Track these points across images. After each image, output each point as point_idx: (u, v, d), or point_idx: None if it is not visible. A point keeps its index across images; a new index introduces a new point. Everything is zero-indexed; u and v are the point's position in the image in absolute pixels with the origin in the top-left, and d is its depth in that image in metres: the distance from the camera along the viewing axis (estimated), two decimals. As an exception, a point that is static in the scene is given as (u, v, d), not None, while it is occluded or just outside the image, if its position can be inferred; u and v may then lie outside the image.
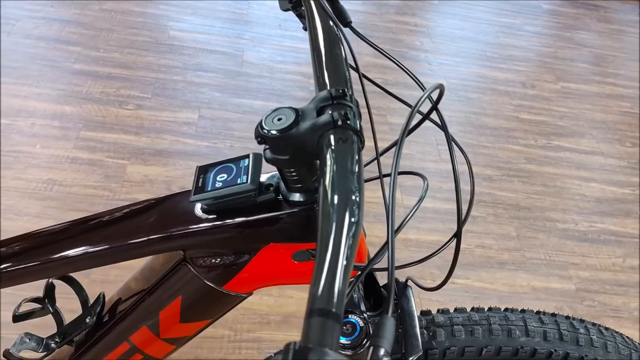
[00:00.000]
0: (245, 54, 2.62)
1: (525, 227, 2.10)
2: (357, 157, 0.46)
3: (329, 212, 0.41)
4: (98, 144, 1.99)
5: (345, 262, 0.38)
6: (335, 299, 0.35)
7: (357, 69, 0.64)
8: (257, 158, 0.56)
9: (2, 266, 0.62)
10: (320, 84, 0.54)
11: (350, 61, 0.62)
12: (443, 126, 0.63)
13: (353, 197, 0.42)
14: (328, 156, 0.46)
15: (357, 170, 0.45)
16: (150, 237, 0.58)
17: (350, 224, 0.40)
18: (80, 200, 1.78)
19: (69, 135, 2.01)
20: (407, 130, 0.55)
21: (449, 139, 0.62)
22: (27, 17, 2.52)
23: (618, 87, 3.04)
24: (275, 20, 2.91)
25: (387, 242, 0.45)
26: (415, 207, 0.59)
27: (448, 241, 0.63)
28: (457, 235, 0.61)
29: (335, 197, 0.42)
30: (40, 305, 0.72)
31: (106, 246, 0.60)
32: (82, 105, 2.15)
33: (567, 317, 0.80)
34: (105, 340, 0.71)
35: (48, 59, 2.32)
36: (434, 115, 0.63)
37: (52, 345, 0.75)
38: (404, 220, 0.57)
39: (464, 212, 0.62)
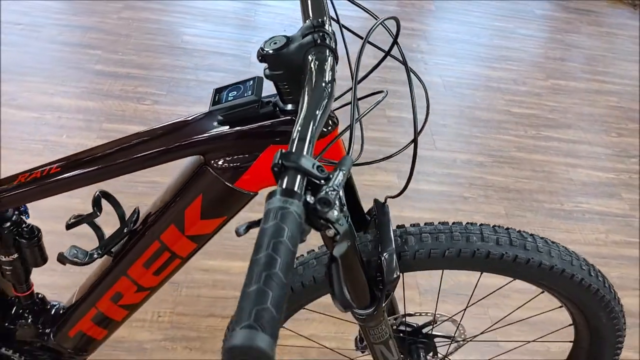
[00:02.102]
0: (253, 56, 2.81)
1: (514, 207, 2.25)
2: (331, 64, 0.64)
3: (309, 88, 0.59)
4: (119, 134, 2.16)
5: (319, 117, 0.56)
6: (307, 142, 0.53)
7: (337, 20, 0.81)
8: (260, 79, 0.74)
9: (66, 174, 0.81)
10: (305, 17, 0.72)
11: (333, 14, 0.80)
12: (402, 58, 0.80)
13: (326, 81, 0.60)
14: (311, 64, 0.64)
15: (330, 71, 0.63)
16: (180, 143, 0.76)
17: (324, 95, 0.58)
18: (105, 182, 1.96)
19: (93, 127, 2.20)
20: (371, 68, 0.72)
21: (408, 69, 0.79)
22: (52, 24, 2.74)
23: (606, 84, 3.21)
24: (280, 26, 3.11)
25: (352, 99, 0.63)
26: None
27: (406, 146, 0.80)
28: (414, 142, 0.78)
29: (314, 82, 0.60)
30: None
31: (144, 153, 0.78)
32: (104, 101, 2.35)
33: (519, 231, 0.96)
34: (140, 243, 0.88)
35: (72, 61, 2.53)
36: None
37: (95, 255, 0.92)
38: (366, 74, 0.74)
39: (419, 125, 0.78)
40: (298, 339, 1.50)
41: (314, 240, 0.81)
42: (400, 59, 0.81)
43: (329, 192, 0.51)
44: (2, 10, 2.74)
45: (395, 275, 0.86)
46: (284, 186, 0.49)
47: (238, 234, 0.54)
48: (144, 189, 1.95)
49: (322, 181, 0.52)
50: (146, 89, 2.46)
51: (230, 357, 0.39)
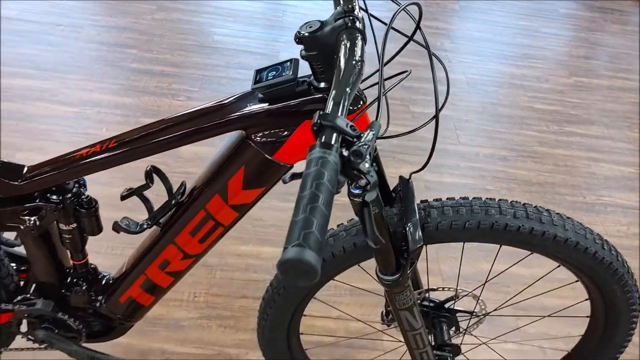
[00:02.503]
0: (281, 55, 2.91)
1: (536, 199, 2.30)
2: (360, 44, 0.72)
3: (342, 64, 0.67)
4: (155, 128, 2.29)
5: (351, 86, 0.64)
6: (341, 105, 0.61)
7: (365, 9, 0.89)
8: (296, 61, 0.83)
9: (123, 149, 0.90)
10: (337, 4, 0.81)
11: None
12: (424, 41, 0.87)
13: (357, 59, 0.68)
14: (343, 44, 0.72)
15: (360, 50, 0.71)
16: (225, 119, 0.85)
17: (355, 68, 0.66)
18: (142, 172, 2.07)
19: (130, 121, 2.32)
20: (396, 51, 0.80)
21: (430, 52, 0.86)
22: (90, 25, 2.87)
23: (630, 81, 3.23)
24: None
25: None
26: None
27: (428, 121, 0.87)
28: (435, 118, 0.85)
29: (346, 58, 0.68)
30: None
31: (193, 128, 0.87)
32: (140, 97, 2.46)
33: (535, 206, 1.02)
34: (186, 213, 0.97)
35: (109, 59, 2.66)
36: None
37: (144, 226, 1.01)
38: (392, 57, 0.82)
39: (441, 102, 0.85)
40: (328, 317, 1.58)
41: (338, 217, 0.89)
42: (423, 43, 0.89)
43: (361, 146, 0.59)
44: (43, 13, 2.88)
45: (418, 244, 0.93)
46: (322, 140, 0.58)
47: (284, 181, 0.63)
48: (178, 179, 2.05)
49: (355, 139, 0.61)
50: (180, 85, 2.57)
51: (284, 270, 0.47)
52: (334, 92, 0.64)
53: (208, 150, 2.16)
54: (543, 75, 3.15)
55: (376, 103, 0.72)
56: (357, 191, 0.85)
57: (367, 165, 0.61)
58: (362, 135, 0.61)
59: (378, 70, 0.83)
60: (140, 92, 2.50)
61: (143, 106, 2.42)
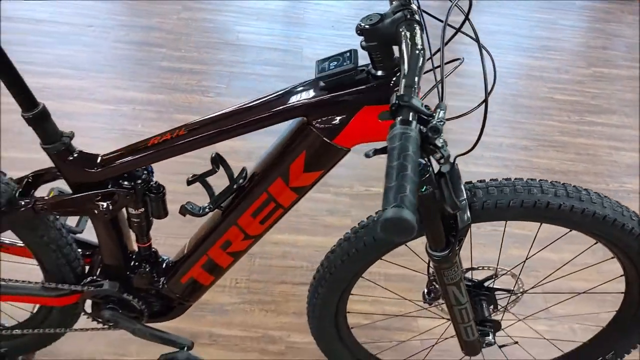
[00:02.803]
0: (305, 51, 2.98)
1: (559, 187, 2.35)
2: (419, 34, 0.79)
3: (407, 52, 0.74)
4: (188, 123, 2.37)
5: (418, 71, 0.71)
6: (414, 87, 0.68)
7: (418, 6, 0.96)
8: (354, 51, 0.90)
9: (192, 137, 0.98)
10: None
11: None
12: (474, 33, 0.94)
13: (419, 48, 0.75)
14: (404, 34, 0.79)
15: (420, 39, 0.78)
16: (289, 106, 0.92)
17: (419, 55, 0.73)
18: (180, 166, 2.14)
19: (164, 117, 2.40)
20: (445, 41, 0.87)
21: (479, 44, 0.93)
22: (118, 26, 2.96)
23: (648, 71, 3.27)
24: (328, 22, 3.27)
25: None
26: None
27: (478, 105, 0.94)
28: (485, 102, 0.91)
29: (410, 47, 0.75)
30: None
31: (260, 115, 0.94)
32: (172, 94, 2.55)
33: (574, 185, 1.09)
34: (249, 196, 1.04)
35: (139, 58, 2.74)
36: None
37: (207, 209, 1.09)
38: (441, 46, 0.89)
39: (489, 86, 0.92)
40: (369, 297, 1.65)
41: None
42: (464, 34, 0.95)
43: (438, 123, 0.66)
44: (73, 15, 2.97)
45: (467, 222, 1.00)
46: (402, 118, 0.65)
47: (367, 156, 0.70)
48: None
49: (429, 117, 0.68)
50: (209, 82, 2.65)
51: (385, 228, 0.54)
52: (405, 76, 0.71)
53: (242, 145, 2.23)
54: (562, 67, 3.19)
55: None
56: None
57: (441, 140, 0.68)
58: (434, 114, 0.68)
59: (430, 58, 0.89)
60: (172, 89, 2.58)
61: (175, 102, 2.50)
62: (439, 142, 0.69)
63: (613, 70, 3.23)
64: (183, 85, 2.61)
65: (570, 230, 1.12)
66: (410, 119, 0.66)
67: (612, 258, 1.20)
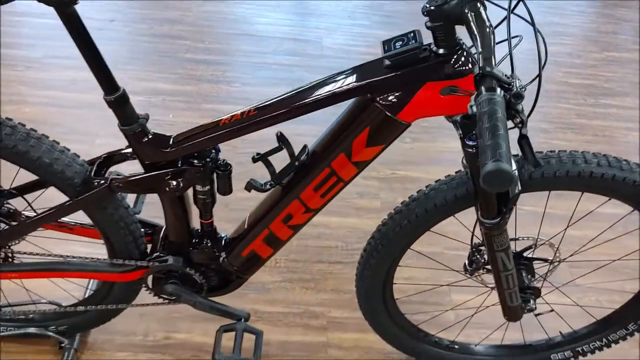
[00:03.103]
0: (324, 40, 3.05)
1: (579, 167, 2.43)
2: (485, 13, 0.86)
3: (478, 31, 0.81)
4: (217, 113, 2.42)
5: (492, 47, 0.78)
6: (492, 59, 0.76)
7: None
8: (418, 32, 0.96)
9: (261, 116, 1.05)
10: None
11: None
12: (529, 15, 1.01)
13: (488, 25, 0.82)
14: (470, 14, 0.86)
15: (486, 16, 0.85)
16: (355, 84, 0.99)
17: (490, 32, 0.80)
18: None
19: (193, 107, 2.47)
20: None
21: (534, 26, 0.99)
22: (141, 19, 3.02)
23: (659, 54, 3.34)
24: (344, 12, 3.34)
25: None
26: None
27: (532, 79, 1.01)
28: (539, 76, 0.99)
29: (480, 25, 0.82)
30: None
31: (326, 93, 1.01)
32: (199, 85, 2.61)
33: (614, 156, 1.16)
34: (311, 172, 1.11)
35: (165, 51, 2.81)
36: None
37: (268, 186, 1.16)
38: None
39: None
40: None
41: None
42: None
43: (520, 90, 0.73)
44: (96, 10, 3.03)
45: (517, 191, 1.07)
46: (487, 86, 0.72)
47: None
48: (243, 159, 2.20)
49: (509, 85, 0.75)
50: (233, 73, 2.72)
51: (487, 180, 0.61)
52: (482, 51, 0.78)
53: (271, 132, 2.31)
54: (574, 52, 3.26)
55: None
56: (471, 143, 1.00)
57: (521, 106, 0.76)
58: (513, 82, 0.76)
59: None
60: (198, 80, 2.64)
61: (203, 93, 2.57)
62: (520, 107, 0.76)
63: (624, 54, 3.29)
64: (209, 76, 2.67)
65: (609, 199, 1.20)
66: (494, 86, 0.73)
67: (648, 225, 1.28)
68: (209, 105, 2.48)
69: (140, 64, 2.70)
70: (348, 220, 2.07)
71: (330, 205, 2.12)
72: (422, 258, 1.53)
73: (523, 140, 0.86)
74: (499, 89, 0.73)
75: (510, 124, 0.83)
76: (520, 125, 0.82)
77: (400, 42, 0.96)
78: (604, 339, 1.49)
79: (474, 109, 0.72)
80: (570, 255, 1.41)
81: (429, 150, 2.42)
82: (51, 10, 0.98)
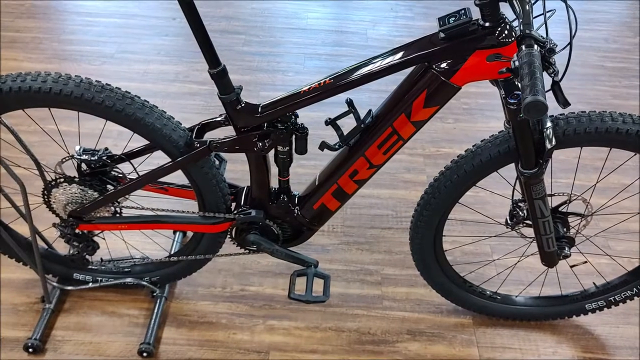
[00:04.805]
0: (369, 33, 3.26)
1: (614, 144, 2.57)
2: None
3: (521, 6, 1.02)
4: (274, 99, 2.68)
5: (531, 18, 0.99)
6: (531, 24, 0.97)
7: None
8: (467, 9, 1.16)
9: (336, 83, 1.26)
10: None
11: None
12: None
13: (528, 1, 1.03)
14: None
15: None
16: (416, 53, 1.20)
17: (530, 6, 1.01)
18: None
19: (252, 95, 2.71)
20: None
21: (567, 4, 1.18)
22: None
23: (695, 38, 3.43)
24: (387, 5, 3.54)
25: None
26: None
27: (563, 47, 1.20)
28: (570, 44, 1.17)
29: (522, 2, 1.03)
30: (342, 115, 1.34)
31: (391, 62, 1.22)
32: (256, 75, 2.86)
33: (638, 115, 1.34)
34: (375, 132, 1.32)
35: (223, 44, 3.06)
36: None
37: (337, 146, 1.38)
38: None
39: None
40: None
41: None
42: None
43: (553, 46, 0.94)
44: (158, 9, 3.31)
45: (553, 144, 1.26)
46: (527, 44, 0.93)
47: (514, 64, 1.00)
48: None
49: (544, 43, 0.96)
50: (287, 63, 2.96)
51: (528, 108, 0.82)
52: (523, 19, 1.00)
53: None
54: (610, 37, 3.39)
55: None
56: (513, 100, 1.19)
57: (554, 59, 0.97)
58: (546, 40, 0.97)
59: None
60: (255, 70, 2.89)
61: (260, 82, 2.81)
62: (552, 60, 0.97)
63: (660, 39, 3.40)
64: (265, 67, 2.92)
65: (635, 154, 1.37)
66: (532, 44, 0.94)
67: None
68: (266, 93, 2.72)
69: (202, 57, 2.95)
70: (397, 192, 2.28)
71: (380, 179, 2.34)
72: (468, 216, 1.72)
73: (555, 85, 1.06)
74: (536, 46, 0.94)
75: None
76: (553, 74, 1.02)
77: (453, 18, 1.16)
78: (635, 289, 1.66)
79: (517, 62, 0.93)
80: (601, 207, 1.58)
81: (470, 129, 2.61)
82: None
